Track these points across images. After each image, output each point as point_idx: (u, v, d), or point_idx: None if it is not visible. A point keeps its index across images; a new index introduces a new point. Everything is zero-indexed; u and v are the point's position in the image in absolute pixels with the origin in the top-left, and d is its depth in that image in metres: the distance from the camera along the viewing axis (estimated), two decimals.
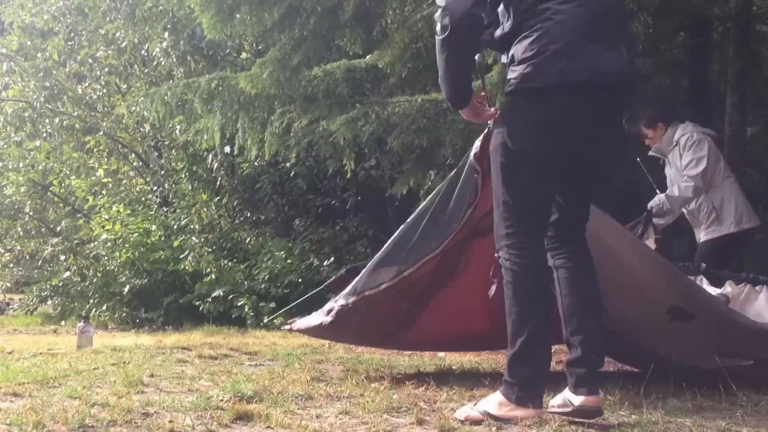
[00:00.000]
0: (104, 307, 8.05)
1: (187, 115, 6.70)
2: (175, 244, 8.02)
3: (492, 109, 2.48)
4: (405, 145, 5.73)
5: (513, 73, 2.29)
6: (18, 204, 10.70)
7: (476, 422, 2.28)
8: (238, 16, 5.79)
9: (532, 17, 2.27)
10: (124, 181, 10.75)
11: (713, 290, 3.30)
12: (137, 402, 2.51)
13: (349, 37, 5.79)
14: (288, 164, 8.57)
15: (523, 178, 2.35)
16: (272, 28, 5.89)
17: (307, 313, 3.58)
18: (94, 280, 8.35)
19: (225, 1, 5.70)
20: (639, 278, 2.90)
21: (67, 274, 9.20)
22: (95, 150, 10.43)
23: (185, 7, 7.56)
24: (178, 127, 8.26)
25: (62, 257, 9.69)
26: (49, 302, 9.60)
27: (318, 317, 3.29)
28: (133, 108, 7.40)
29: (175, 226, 8.48)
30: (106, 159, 10.57)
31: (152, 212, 9.11)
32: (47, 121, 10.56)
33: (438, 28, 2.29)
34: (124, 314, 7.93)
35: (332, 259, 7.77)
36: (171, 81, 8.41)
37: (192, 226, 8.33)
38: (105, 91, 10.69)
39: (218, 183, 9.55)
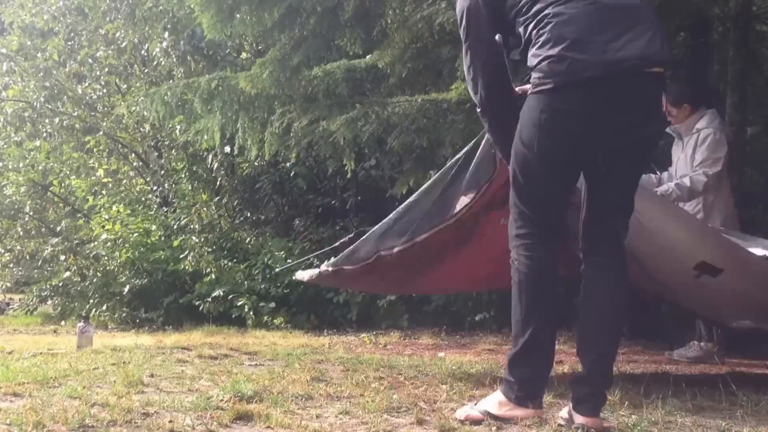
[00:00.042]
0: (104, 307, 8.02)
1: (187, 115, 6.71)
2: (175, 244, 8.01)
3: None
4: (405, 145, 5.73)
5: (531, 82, 2.32)
6: (18, 204, 10.65)
7: (476, 422, 2.29)
8: (238, 16, 5.79)
9: (536, 27, 2.29)
10: (124, 181, 10.73)
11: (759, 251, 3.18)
12: (137, 402, 2.51)
13: (349, 37, 5.79)
14: (288, 164, 8.55)
15: (535, 179, 2.35)
16: (272, 28, 5.89)
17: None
18: (94, 280, 8.33)
19: (225, 1, 5.70)
20: (666, 237, 2.88)
21: (67, 274, 9.17)
22: (95, 150, 10.40)
23: (185, 7, 7.55)
24: (178, 127, 8.24)
25: (62, 257, 9.65)
26: (49, 302, 9.56)
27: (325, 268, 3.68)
28: (133, 108, 7.40)
29: (175, 226, 8.46)
30: (106, 159, 10.54)
31: (152, 212, 9.08)
32: (47, 121, 10.52)
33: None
34: (124, 314, 7.91)
35: (332, 259, 7.73)
36: (171, 81, 8.39)
37: (192, 226, 8.31)
38: (105, 91, 10.65)
39: (218, 183, 9.53)
